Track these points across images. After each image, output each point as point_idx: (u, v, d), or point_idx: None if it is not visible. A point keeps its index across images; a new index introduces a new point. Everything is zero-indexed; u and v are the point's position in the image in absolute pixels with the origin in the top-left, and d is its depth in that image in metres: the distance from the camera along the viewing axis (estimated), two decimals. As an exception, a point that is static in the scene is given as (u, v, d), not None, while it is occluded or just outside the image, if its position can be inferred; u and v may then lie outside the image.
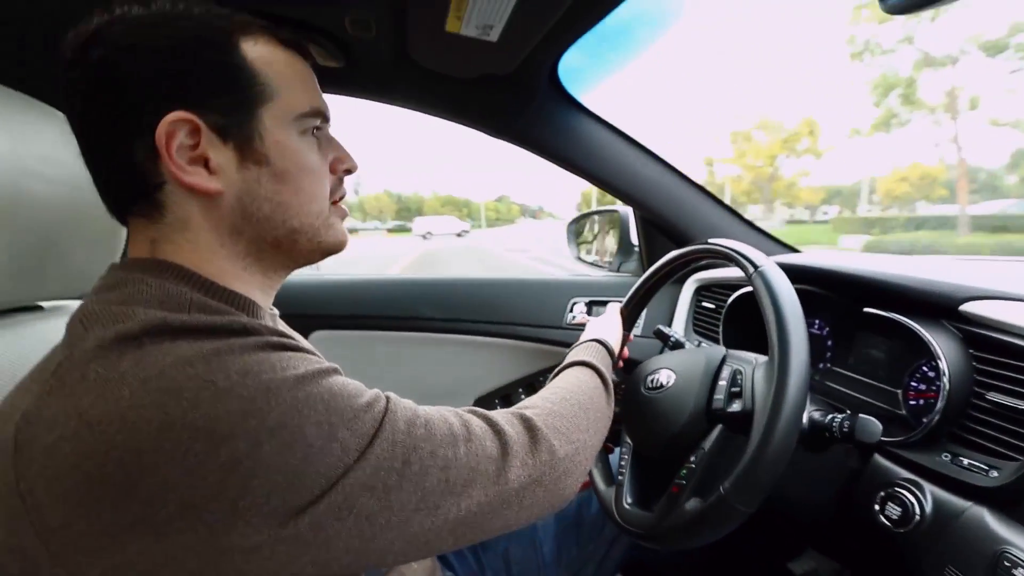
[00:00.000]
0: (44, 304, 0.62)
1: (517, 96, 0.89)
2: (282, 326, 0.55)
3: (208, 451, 0.30)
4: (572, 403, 0.51)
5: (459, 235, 35.87)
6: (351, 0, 0.65)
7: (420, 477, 0.36)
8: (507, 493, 0.41)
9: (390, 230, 54.67)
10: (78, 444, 0.30)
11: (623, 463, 0.67)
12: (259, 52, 0.41)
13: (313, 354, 0.39)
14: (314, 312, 1.20)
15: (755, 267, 0.56)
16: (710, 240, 0.63)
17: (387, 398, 0.39)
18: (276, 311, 0.52)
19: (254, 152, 0.41)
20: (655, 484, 0.65)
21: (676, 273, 0.72)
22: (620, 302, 0.76)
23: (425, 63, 0.78)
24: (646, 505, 0.63)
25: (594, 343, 0.64)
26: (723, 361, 0.60)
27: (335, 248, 0.48)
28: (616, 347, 0.67)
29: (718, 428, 0.56)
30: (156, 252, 0.41)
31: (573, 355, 0.62)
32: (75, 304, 0.64)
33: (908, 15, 0.43)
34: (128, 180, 0.40)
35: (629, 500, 0.64)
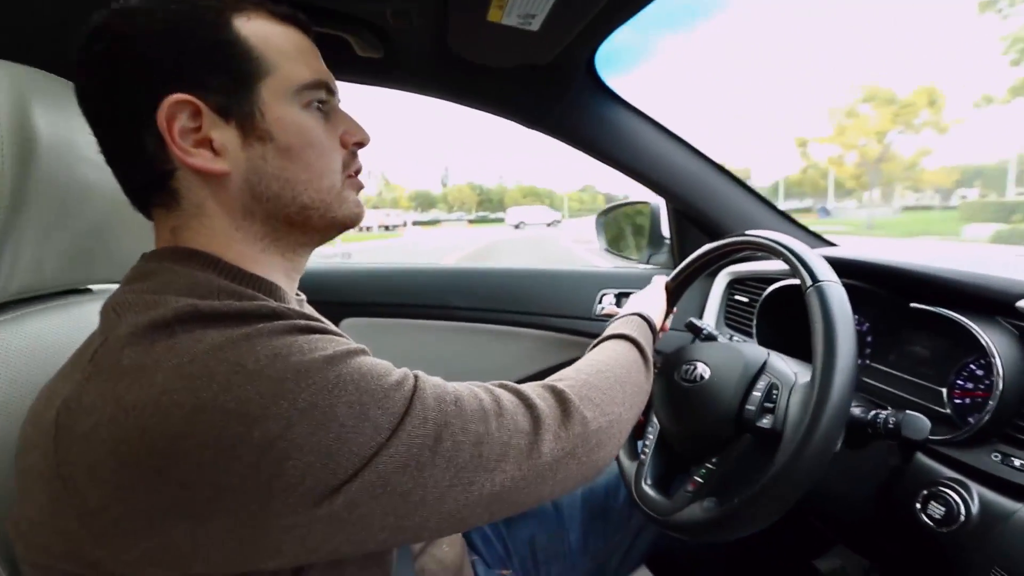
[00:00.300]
0: (93, 287, 0.65)
1: (553, 86, 0.88)
2: (309, 310, 0.55)
3: (241, 433, 0.30)
4: (607, 375, 0.50)
5: (550, 224, 35.63)
6: (395, -10, 0.66)
7: (453, 453, 0.36)
8: (541, 467, 0.40)
9: (471, 221, 54.50)
10: (115, 429, 0.30)
11: (647, 442, 0.68)
12: (253, 28, 0.41)
13: (340, 336, 0.39)
14: (345, 300, 1.23)
15: (815, 280, 0.53)
16: (774, 236, 0.60)
17: (416, 376, 0.39)
18: (303, 296, 0.52)
19: (256, 129, 0.41)
20: (675, 471, 0.66)
21: (726, 259, 0.70)
22: (666, 275, 0.74)
23: (463, 53, 0.78)
24: (664, 489, 0.63)
25: (636, 317, 0.63)
26: (762, 368, 0.58)
27: (350, 222, 0.47)
28: (659, 321, 0.65)
29: (745, 436, 0.56)
30: (178, 240, 0.42)
31: (613, 327, 0.61)
32: None
33: None
34: (142, 170, 0.41)
35: (648, 480, 0.64)
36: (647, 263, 1.25)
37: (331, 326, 0.44)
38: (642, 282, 1.18)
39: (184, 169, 0.41)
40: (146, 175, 0.41)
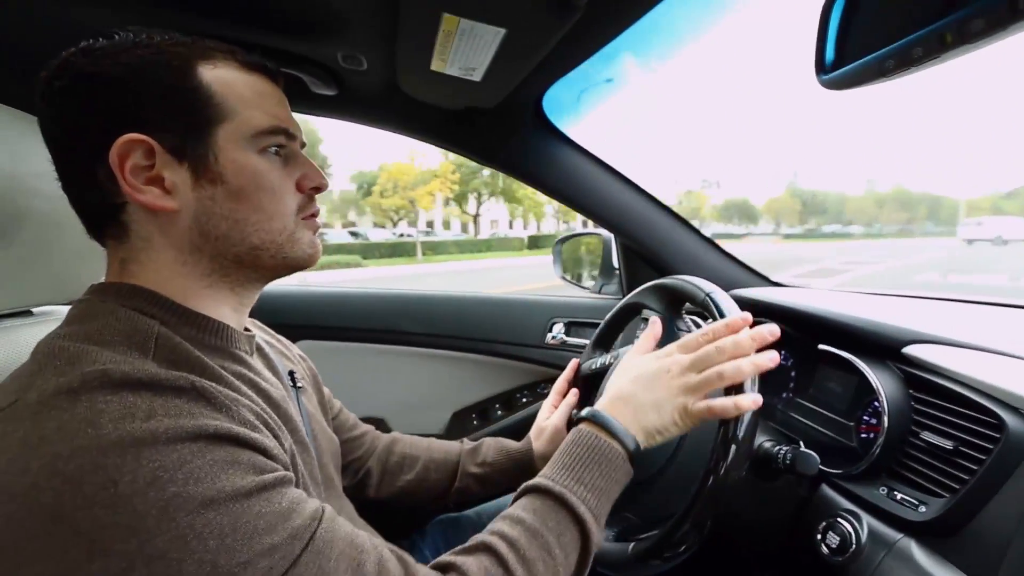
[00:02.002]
0: (35, 310, 0.65)
1: (502, 127, 0.93)
2: (262, 338, 0.56)
3: (82, 560, 0.29)
4: None
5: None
6: (343, 38, 0.69)
7: None
8: None
9: (787, 236, 42.17)
10: None
11: None
12: (217, 75, 0.43)
13: (263, 441, 0.37)
14: (300, 323, 1.23)
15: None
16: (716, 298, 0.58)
17: (307, 543, 0.35)
18: (252, 332, 0.53)
19: (208, 171, 0.42)
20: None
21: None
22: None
23: (414, 95, 0.82)
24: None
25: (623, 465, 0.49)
26: (642, 485, 0.59)
27: (302, 263, 0.48)
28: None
29: None
30: (124, 272, 0.43)
31: (576, 494, 0.47)
32: (62, 310, 0.67)
33: (848, 89, 0.46)
34: (94, 201, 0.43)
35: None
36: (599, 293, 1.30)
37: (266, 416, 0.41)
38: (592, 311, 1.22)
39: (134, 204, 0.42)
40: (97, 206, 0.43)
